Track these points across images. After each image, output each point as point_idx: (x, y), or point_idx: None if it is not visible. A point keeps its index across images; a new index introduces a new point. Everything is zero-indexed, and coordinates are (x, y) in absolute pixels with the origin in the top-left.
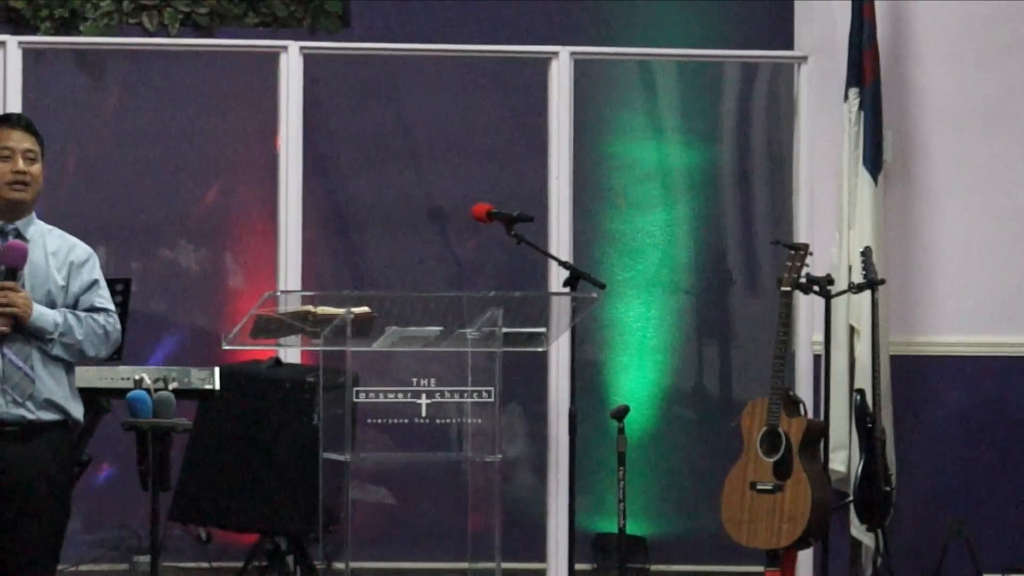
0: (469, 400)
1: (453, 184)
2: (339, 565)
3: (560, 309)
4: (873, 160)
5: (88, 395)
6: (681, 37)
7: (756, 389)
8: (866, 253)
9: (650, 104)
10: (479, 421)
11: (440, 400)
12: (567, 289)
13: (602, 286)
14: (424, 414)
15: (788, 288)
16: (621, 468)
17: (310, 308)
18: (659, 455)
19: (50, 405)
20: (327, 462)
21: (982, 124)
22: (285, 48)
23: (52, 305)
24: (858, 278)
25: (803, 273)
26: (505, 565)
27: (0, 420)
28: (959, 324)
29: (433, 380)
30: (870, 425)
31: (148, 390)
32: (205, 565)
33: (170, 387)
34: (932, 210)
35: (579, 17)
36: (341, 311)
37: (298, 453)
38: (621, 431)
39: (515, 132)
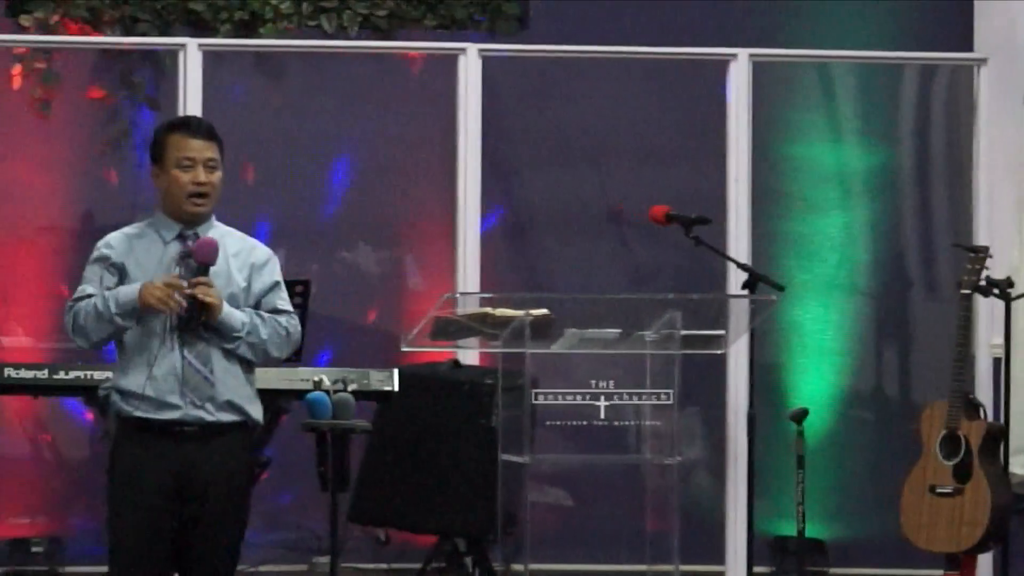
0: (647, 402)
1: (631, 186)
2: (517, 567)
3: (739, 311)
4: None
5: (268, 396)
6: (860, 39)
7: (935, 392)
8: None
9: (828, 106)
10: (657, 423)
11: (618, 402)
12: (745, 291)
13: (781, 288)
14: (603, 416)
15: (967, 291)
16: (800, 471)
17: (489, 310)
18: (838, 458)
19: (230, 407)
20: (505, 464)
21: None
22: (464, 50)
23: (234, 306)
24: None
25: (982, 276)
26: (683, 567)
27: (180, 422)
28: None
29: (612, 382)
30: None
31: (327, 391)
32: (384, 566)
33: (349, 388)
34: None
35: (758, 19)
36: (520, 313)
37: (476, 455)
38: (800, 434)
39: (694, 134)
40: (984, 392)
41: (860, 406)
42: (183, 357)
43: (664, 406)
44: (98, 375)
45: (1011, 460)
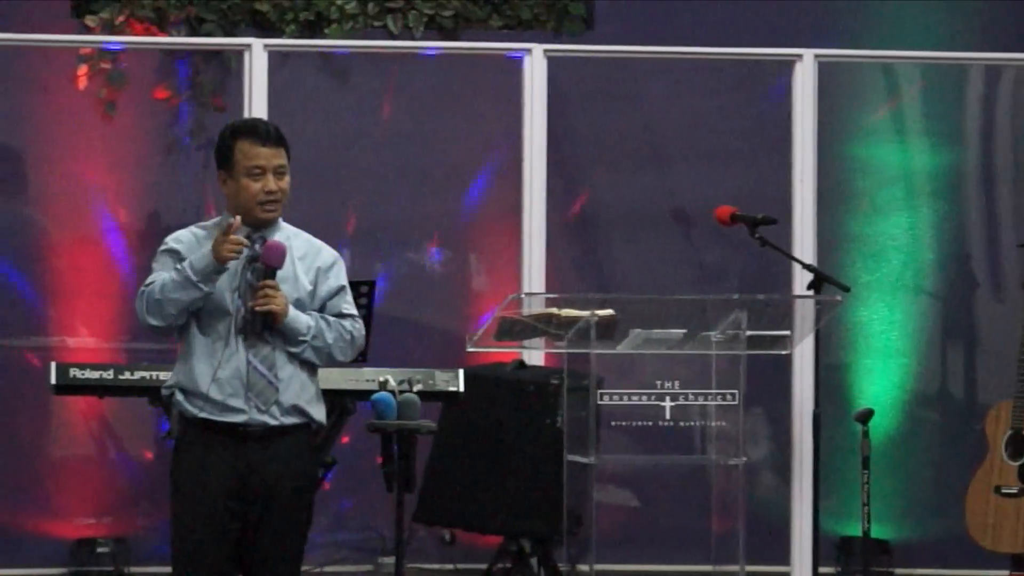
0: (713, 403)
1: (696, 187)
2: (583, 567)
3: (804, 312)
4: None
5: (333, 397)
6: (925, 39)
7: (1001, 392)
8: None
9: (894, 106)
10: (723, 424)
11: (684, 403)
12: (811, 292)
13: (846, 289)
14: (668, 417)
15: None
16: (865, 471)
17: (554, 310)
18: (903, 458)
19: (294, 410)
20: (571, 464)
21: None
22: (529, 51)
23: (300, 309)
24: None
25: None
26: (749, 568)
27: (244, 425)
28: None
29: (677, 383)
30: None
31: (393, 392)
32: (449, 567)
33: (414, 389)
34: None
35: (823, 19)
36: (585, 313)
37: (541, 455)
38: (865, 434)
39: (758, 134)
40: None
41: (925, 406)
42: (248, 360)
43: (729, 407)
44: (163, 375)
45: None
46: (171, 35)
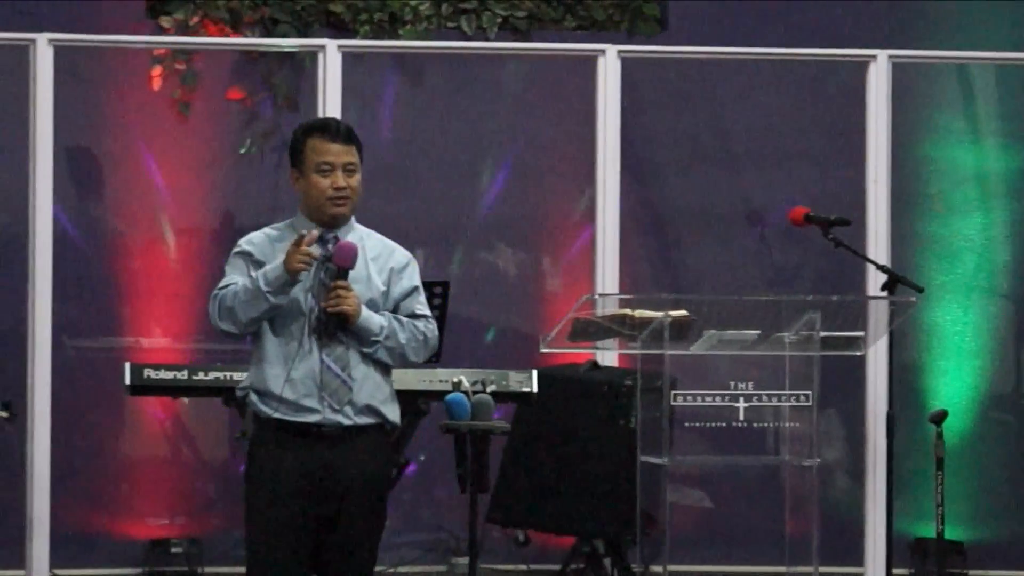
0: (787, 404)
1: (770, 188)
2: (656, 568)
3: (878, 313)
4: None
5: (406, 398)
6: (1000, 39)
7: None
8: None
9: (968, 107)
10: (796, 425)
11: (758, 404)
12: (885, 293)
13: (920, 290)
14: (742, 418)
15: None
16: (939, 472)
17: (627, 311)
18: (977, 460)
19: (368, 410)
20: (644, 465)
21: None
22: (603, 52)
23: (374, 309)
24: None
25: None
26: (822, 569)
27: (318, 425)
28: None
29: (751, 384)
30: None
31: (466, 393)
32: (523, 567)
33: (488, 390)
34: None
35: (897, 20)
36: (659, 314)
37: (615, 456)
38: (939, 435)
39: (832, 135)
40: None
41: (999, 407)
42: (322, 360)
43: (803, 408)
44: (237, 376)
45: None
46: (245, 36)
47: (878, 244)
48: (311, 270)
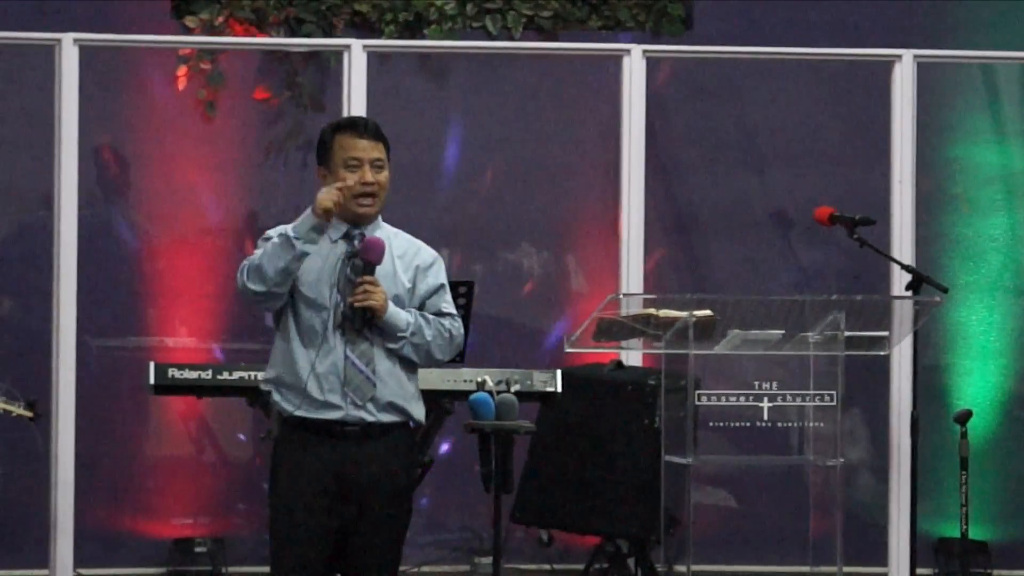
0: (811, 404)
1: (795, 187)
2: (680, 568)
3: (903, 313)
4: None
5: (431, 397)
6: None
7: None
8: None
9: (993, 107)
10: (821, 425)
11: (782, 404)
12: (909, 293)
13: (945, 290)
14: (766, 418)
15: None
16: (964, 472)
17: (652, 311)
18: (1002, 460)
19: (392, 407)
20: (668, 465)
21: None
22: (628, 51)
23: (399, 306)
24: None
25: None
26: (846, 569)
27: (342, 421)
28: None
29: (775, 384)
30: None
31: (490, 392)
32: (547, 567)
33: (512, 389)
34: None
35: (922, 20)
36: (683, 314)
37: (639, 456)
38: (964, 435)
39: (857, 135)
40: None
41: None
42: (346, 356)
43: (827, 407)
44: (262, 376)
45: None
46: (271, 36)
47: (903, 244)
48: (336, 264)
